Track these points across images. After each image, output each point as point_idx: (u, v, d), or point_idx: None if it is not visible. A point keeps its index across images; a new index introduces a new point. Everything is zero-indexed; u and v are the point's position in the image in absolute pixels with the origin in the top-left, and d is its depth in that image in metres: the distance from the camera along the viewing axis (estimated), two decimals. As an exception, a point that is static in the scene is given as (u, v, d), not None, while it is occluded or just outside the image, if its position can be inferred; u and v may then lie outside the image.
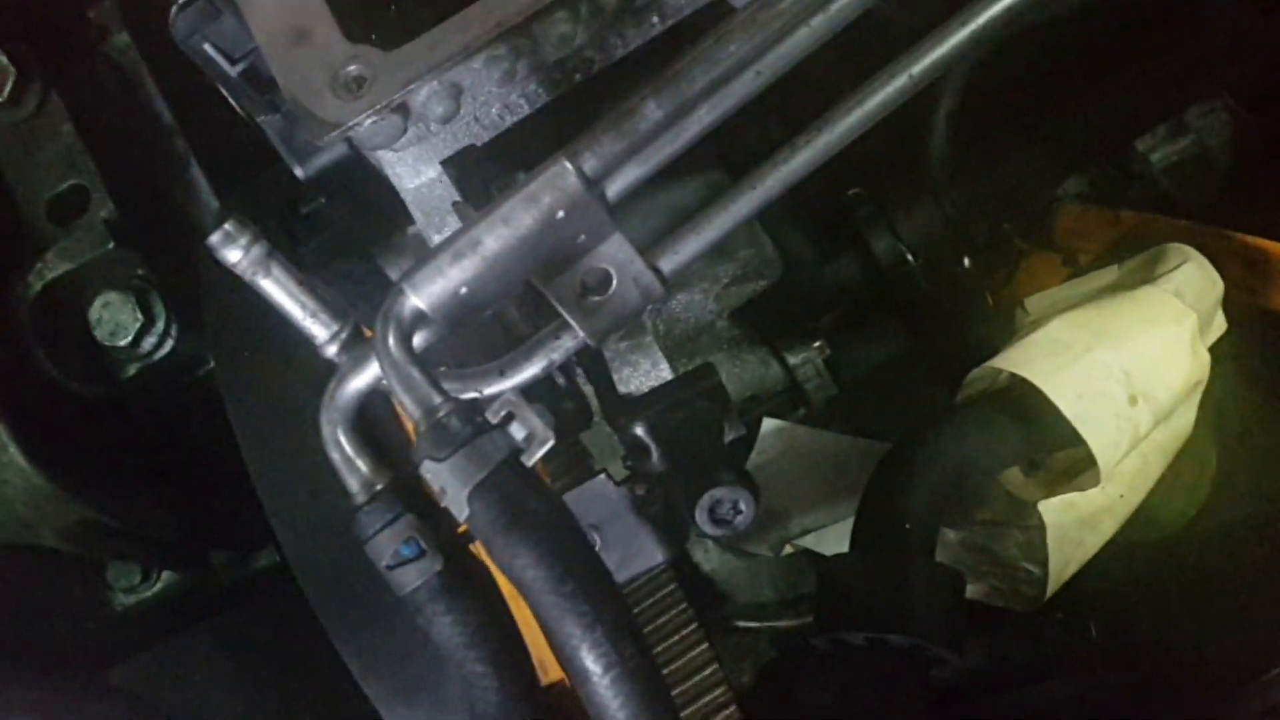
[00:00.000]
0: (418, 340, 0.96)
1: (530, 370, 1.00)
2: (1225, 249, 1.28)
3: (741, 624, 1.61)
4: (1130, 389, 1.13)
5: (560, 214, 0.91)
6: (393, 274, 1.31)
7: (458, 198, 1.14)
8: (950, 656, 1.04)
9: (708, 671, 1.25)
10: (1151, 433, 1.16)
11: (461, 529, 0.91)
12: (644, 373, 1.39)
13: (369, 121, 1.05)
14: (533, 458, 0.89)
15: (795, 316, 1.60)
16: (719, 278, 1.48)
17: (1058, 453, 1.17)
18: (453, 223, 1.19)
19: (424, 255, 0.91)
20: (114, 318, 1.46)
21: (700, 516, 1.05)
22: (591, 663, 0.84)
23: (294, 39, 1.08)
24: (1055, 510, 1.19)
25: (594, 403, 1.22)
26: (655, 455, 1.11)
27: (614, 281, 0.98)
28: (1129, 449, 1.14)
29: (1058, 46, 1.53)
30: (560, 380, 1.23)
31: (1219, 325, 1.26)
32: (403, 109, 1.06)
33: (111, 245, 1.42)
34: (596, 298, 0.98)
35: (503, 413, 0.90)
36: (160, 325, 1.48)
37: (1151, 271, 1.24)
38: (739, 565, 1.61)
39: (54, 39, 1.53)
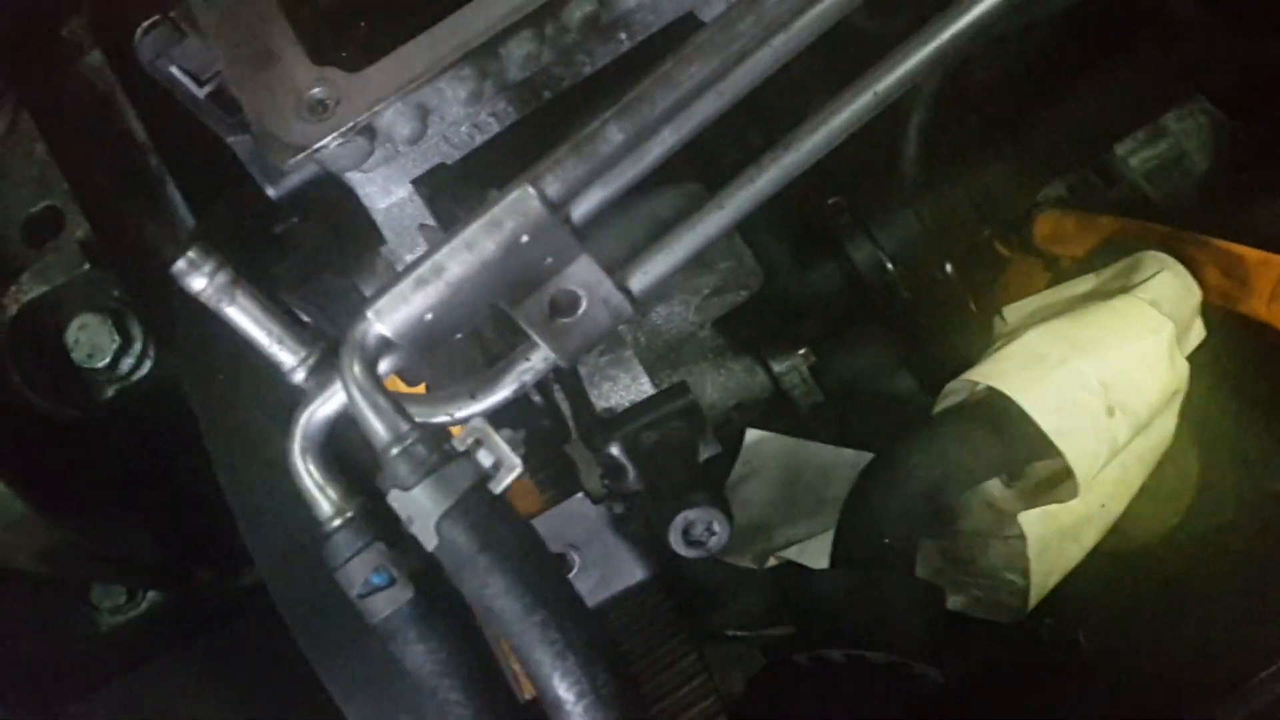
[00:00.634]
0: (387, 364, 0.96)
1: (501, 393, 0.99)
2: (1203, 255, 1.28)
3: (731, 633, 1.60)
4: (1108, 400, 1.12)
5: (524, 238, 0.90)
6: (368, 293, 1.30)
7: (429, 218, 1.14)
8: (930, 671, 1.04)
9: (697, 681, 1.24)
10: (1131, 443, 1.15)
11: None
12: (624, 387, 1.38)
13: (335, 144, 1.04)
14: (500, 485, 0.88)
15: (778, 326, 1.60)
16: (699, 289, 1.47)
17: (1037, 464, 1.16)
18: (424, 244, 1.18)
19: (387, 281, 0.90)
20: (91, 339, 1.45)
21: (674, 538, 1.04)
22: (564, 691, 0.84)
23: (259, 62, 1.07)
24: (1036, 522, 1.18)
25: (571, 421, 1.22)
26: (631, 474, 1.11)
27: (583, 303, 0.97)
28: (1107, 460, 1.13)
29: (1031, 53, 1.52)
30: (536, 398, 1.23)
31: (1197, 333, 1.25)
32: (368, 130, 1.06)
33: (87, 267, 1.41)
34: (566, 319, 0.97)
35: (470, 440, 0.89)
36: (138, 346, 1.47)
37: (1128, 280, 1.23)
38: (728, 574, 1.60)
39: (25, 58, 1.52)
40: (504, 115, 1.13)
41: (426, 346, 0.95)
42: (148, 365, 1.47)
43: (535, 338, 0.97)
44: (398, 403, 0.90)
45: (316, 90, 1.04)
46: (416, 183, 1.14)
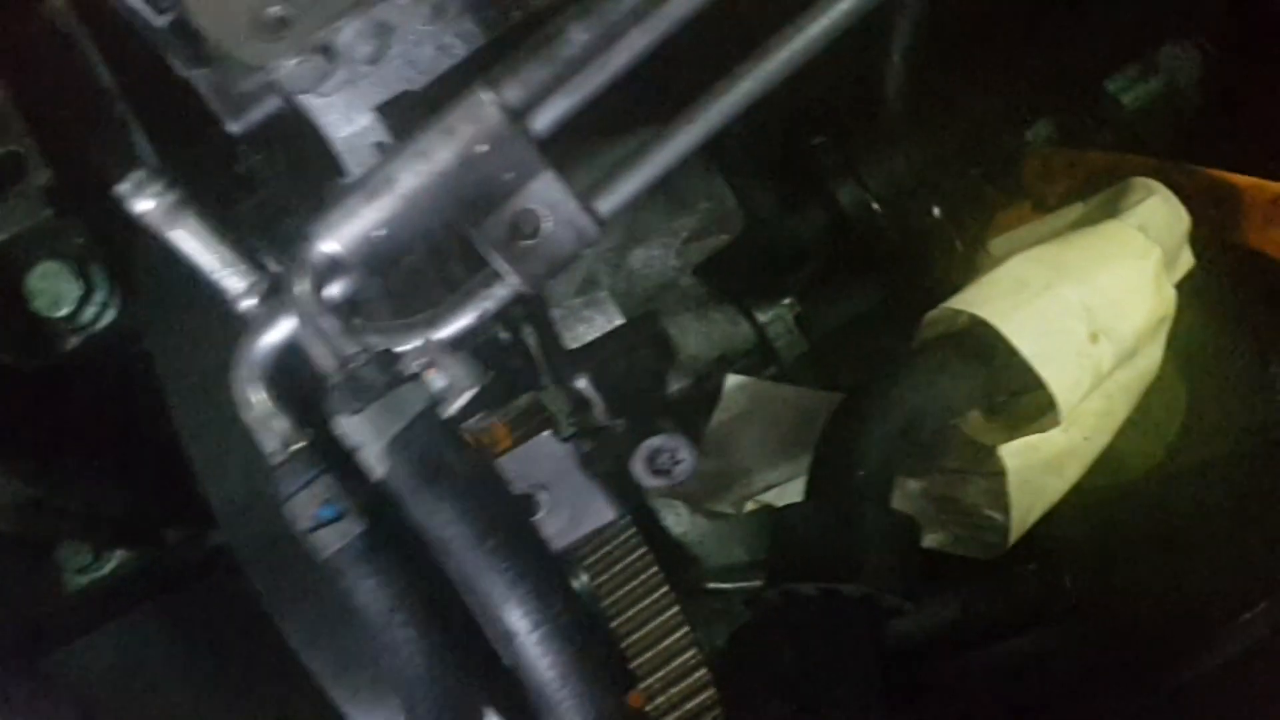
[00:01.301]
0: (340, 288, 0.92)
1: (461, 321, 0.95)
2: (1193, 184, 1.24)
3: (714, 586, 1.57)
4: (1092, 325, 1.08)
5: (482, 147, 0.86)
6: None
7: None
8: (903, 605, 1.00)
9: (679, 634, 1.20)
10: (1115, 372, 1.12)
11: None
12: (599, 328, 1.34)
13: (292, 63, 1.01)
14: (450, 408, 0.84)
15: (761, 273, 1.56)
16: (677, 231, 1.43)
17: (1021, 395, 1.13)
18: (382, 164, 1.14)
19: (336, 195, 0.86)
20: (53, 288, 1.42)
21: (638, 467, 1.01)
22: (517, 620, 0.80)
23: (214, -20, 1.03)
24: (1016, 454, 1.14)
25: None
26: (599, 408, 1.07)
27: (546, 223, 0.93)
28: (1090, 388, 1.09)
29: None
30: (504, 335, 1.19)
31: (1186, 261, 1.21)
32: (327, 49, 1.02)
33: (50, 213, 1.38)
34: (528, 241, 0.93)
35: (422, 361, 0.86)
36: (101, 295, 1.43)
37: (1116, 206, 1.19)
38: (709, 527, 1.57)
39: (-17, 1, 1.48)
40: (470, 37, 1.08)
41: (379, 268, 0.91)
42: (111, 314, 1.43)
43: (496, 261, 0.93)
44: (348, 325, 0.86)
45: (274, 8, 1.00)
46: (380, 110, 1.10)
